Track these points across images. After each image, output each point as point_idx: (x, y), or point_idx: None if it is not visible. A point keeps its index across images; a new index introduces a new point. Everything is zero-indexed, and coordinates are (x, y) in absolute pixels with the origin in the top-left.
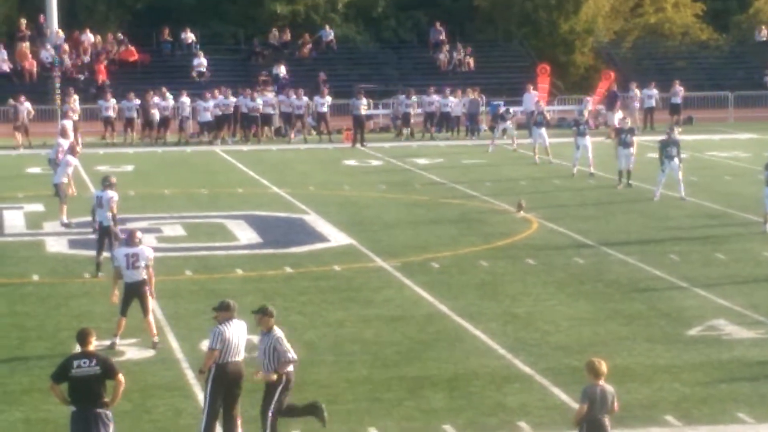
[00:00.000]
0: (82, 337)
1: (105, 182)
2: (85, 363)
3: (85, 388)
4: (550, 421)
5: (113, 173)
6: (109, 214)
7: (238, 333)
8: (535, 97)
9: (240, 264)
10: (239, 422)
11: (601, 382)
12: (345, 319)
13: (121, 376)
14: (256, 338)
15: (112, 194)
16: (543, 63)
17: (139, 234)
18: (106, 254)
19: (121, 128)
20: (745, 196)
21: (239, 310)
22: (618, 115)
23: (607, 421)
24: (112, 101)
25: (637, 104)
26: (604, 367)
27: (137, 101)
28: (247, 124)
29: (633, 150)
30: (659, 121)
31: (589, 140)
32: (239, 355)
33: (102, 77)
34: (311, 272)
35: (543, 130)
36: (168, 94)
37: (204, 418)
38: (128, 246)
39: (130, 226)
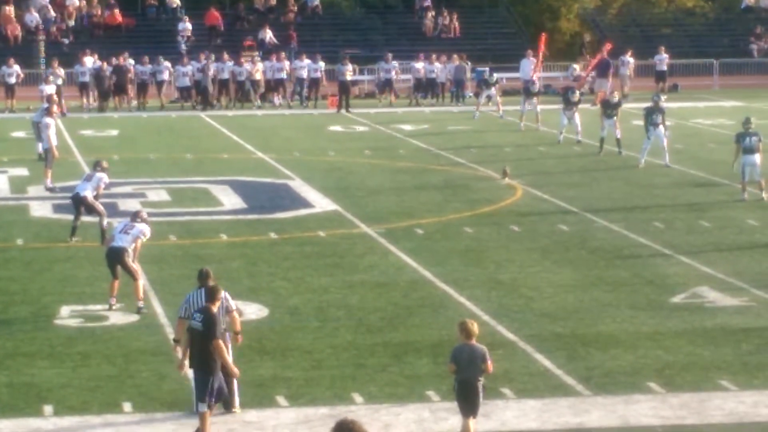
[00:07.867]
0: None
1: (96, 167)
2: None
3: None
4: (534, 387)
5: (97, 137)
6: (91, 188)
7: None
8: (532, 63)
9: (224, 229)
10: (235, 387)
11: (472, 342)
12: (329, 285)
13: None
14: (244, 304)
15: (102, 175)
16: (543, 32)
17: (144, 215)
18: (90, 219)
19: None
20: (730, 164)
21: (225, 277)
22: (608, 84)
23: (478, 382)
24: (88, 66)
25: (628, 71)
26: (475, 327)
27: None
28: (228, 89)
29: (616, 120)
30: (643, 88)
31: (576, 108)
32: None
33: None
34: (296, 238)
35: (534, 98)
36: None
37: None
38: (131, 220)
39: (114, 191)
